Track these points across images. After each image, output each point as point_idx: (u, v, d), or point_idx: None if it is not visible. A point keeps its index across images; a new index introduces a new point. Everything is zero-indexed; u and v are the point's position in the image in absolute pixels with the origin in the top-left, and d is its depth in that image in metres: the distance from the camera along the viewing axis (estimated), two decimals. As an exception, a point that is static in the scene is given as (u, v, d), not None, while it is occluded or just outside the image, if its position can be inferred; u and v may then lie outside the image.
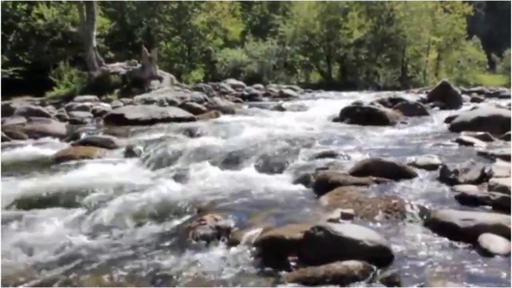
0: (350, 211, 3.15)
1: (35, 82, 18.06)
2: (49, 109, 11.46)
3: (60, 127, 8.63)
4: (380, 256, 2.49)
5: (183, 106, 10.72)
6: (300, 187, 4.16)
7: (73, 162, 5.65)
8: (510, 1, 44.84)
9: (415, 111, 9.18)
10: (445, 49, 39.34)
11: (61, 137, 7.87)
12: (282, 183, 4.33)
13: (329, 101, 14.06)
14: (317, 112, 10.17)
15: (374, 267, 2.39)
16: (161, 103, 11.61)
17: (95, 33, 18.21)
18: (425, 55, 36.45)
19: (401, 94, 13.91)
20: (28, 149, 6.74)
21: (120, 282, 2.52)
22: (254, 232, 2.96)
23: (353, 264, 2.36)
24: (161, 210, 3.60)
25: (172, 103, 11.74)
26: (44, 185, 4.46)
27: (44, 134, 7.97)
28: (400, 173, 4.03)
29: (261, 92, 17.74)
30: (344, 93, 18.41)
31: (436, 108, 10.25)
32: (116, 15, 25.13)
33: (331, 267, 2.36)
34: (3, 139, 7.37)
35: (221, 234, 3.03)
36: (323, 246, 2.53)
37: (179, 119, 9.18)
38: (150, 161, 5.56)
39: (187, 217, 3.44)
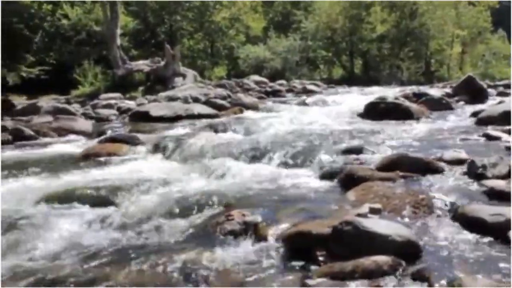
0: (378, 206, 3.13)
1: (61, 81, 18.41)
2: (75, 107, 11.65)
3: (86, 124, 8.76)
4: (409, 251, 2.49)
5: (207, 102, 10.81)
6: (326, 182, 4.16)
7: (100, 159, 5.74)
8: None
9: (440, 105, 9.07)
10: (470, 42, 38.75)
11: (88, 134, 8.01)
12: (308, 179, 4.34)
13: (352, 96, 13.92)
14: (341, 108, 10.10)
15: (403, 262, 2.38)
16: (185, 100, 11.67)
17: (118, 31, 18.42)
18: (449, 49, 35.93)
19: (425, 88, 13.78)
20: (55, 147, 6.86)
21: (148, 276, 2.56)
22: (281, 227, 2.98)
23: (382, 259, 2.35)
24: (188, 205, 3.62)
25: (196, 100, 11.80)
26: (71, 182, 4.53)
27: (71, 131, 8.13)
28: (427, 168, 4.00)
29: (284, 88, 17.61)
30: (367, 88, 18.23)
31: (461, 102, 10.11)
32: (139, 14, 25.32)
33: (360, 262, 2.36)
34: (31, 137, 7.53)
35: (249, 229, 3.03)
36: (351, 241, 2.53)
37: (203, 116, 9.28)
38: (176, 157, 5.61)
39: (214, 212, 3.45)
